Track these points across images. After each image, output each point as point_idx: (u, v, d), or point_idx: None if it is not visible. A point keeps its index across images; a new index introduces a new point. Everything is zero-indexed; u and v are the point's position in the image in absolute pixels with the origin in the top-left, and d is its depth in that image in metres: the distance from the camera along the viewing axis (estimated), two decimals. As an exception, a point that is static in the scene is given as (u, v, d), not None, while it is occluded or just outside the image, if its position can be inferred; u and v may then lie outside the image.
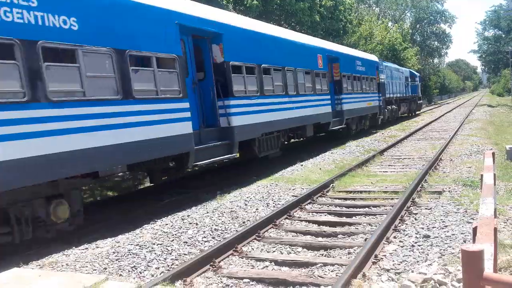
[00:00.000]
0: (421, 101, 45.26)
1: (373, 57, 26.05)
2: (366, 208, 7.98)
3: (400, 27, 57.64)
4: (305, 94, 15.08)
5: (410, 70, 40.43)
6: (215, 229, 6.94)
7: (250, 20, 13.84)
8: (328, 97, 17.32)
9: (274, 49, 13.30)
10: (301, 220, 7.45)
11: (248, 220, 7.42)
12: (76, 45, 6.90)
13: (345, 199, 8.83)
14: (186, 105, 9.17)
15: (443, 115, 35.23)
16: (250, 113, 11.50)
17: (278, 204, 8.42)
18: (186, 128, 9.07)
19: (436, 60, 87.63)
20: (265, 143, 12.40)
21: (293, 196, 8.99)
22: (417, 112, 40.54)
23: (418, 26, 77.58)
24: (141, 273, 5.35)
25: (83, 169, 7.12)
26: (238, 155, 11.32)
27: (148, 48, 8.34)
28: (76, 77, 6.94)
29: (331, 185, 9.76)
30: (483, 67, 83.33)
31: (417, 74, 42.98)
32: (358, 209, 7.96)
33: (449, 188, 8.82)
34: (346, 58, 19.84)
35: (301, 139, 17.50)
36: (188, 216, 7.60)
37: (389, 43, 47.93)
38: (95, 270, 5.44)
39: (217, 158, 10.20)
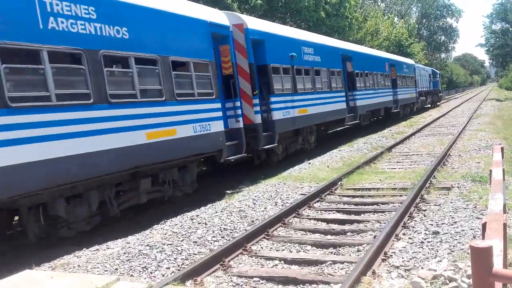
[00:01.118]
0: (441, 94, 53.62)
1: (412, 61, 35.62)
2: (375, 205, 7.98)
3: (406, 22, 57.32)
4: (381, 88, 24.36)
5: (432, 68, 47.76)
6: (224, 228, 6.97)
7: (361, 46, 25.75)
8: (391, 90, 26.48)
9: (370, 61, 23.02)
10: (310, 219, 7.47)
11: (257, 219, 7.44)
12: (320, 68, 16.17)
13: (354, 196, 8.83)
14: (343, 93, 18.29)
15: (451, 110, 35.00)
16: (361, 99, 20.46)
17: (287, 202, 8.43)
18: (344, 105, 18.22)
19: (443, 55, 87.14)
20: (364, 117, 21.29)
21: (301, 194, 9.00)
22: (437, 103, 47.12)
23: (424, 20, 77.17)
24: (152, 273, 5.39)
25: (315, 122, 15.53)
26: (359, 122, 20.01)
27: (333, 67, 17.45)
28: (319, 80, 15.92)
29: (339, 183, 9.76)
30: (490, 61, 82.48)
31: (437, 72, 50.43)
32: (366, 207, 7.96)
33: (458, 184, 8.79)
34: (399, 63, 29.68)
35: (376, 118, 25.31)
36: (197, 216, 7.65)
37: (395, 39, 47.72)
38: (107, 271, 5.49)
39: (352, 122, 19.47)
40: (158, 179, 8.75)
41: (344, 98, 18.22)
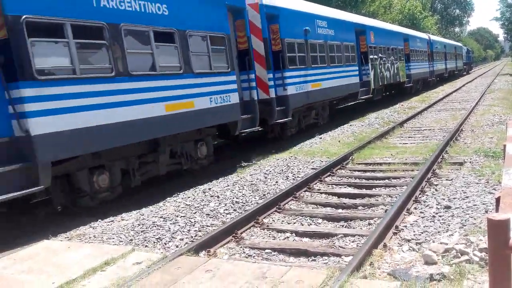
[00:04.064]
0: (472, 65, 74.64)
1: (461, 44, 59.24)
2: (386, 180, 7.98)
3: (420, -5, 56.06)
4: (453, 59, 46.33)
5: (467, 47, 65.81)
6: (236, 201, 7.05)
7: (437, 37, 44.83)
8: (455, 61, 47.22)
9: (453, 47, 47.07)
10: (321, 193, 7.51)
11: (268, 193, 7.50)
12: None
13: (365, 171, 8.82)
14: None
15: (463, 85, 34.50)
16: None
17: (298, 177, 8.47)
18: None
19: (457, 29, 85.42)
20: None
21: (312, 169, 9.01)
22: (469, 71, 63.95)
23: (439, -7, 75.32)
24: (166, 244, 5.49)
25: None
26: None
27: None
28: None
29: (350, 158, 9.76)
30: (505, 35, 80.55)
31: (470, 50, 71.10)
32: (378, 181, 7.97)
33: (471, 159, 8.74)
34: (458, 46, 50.75)
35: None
36: (210, 189, 7.72)
37: (409, 12, 46.82)
38: (122, 241, 5.60)
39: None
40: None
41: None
